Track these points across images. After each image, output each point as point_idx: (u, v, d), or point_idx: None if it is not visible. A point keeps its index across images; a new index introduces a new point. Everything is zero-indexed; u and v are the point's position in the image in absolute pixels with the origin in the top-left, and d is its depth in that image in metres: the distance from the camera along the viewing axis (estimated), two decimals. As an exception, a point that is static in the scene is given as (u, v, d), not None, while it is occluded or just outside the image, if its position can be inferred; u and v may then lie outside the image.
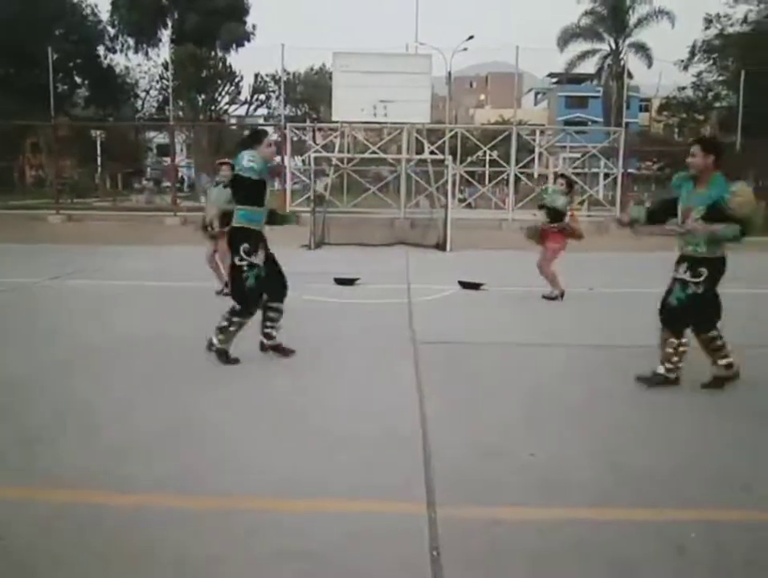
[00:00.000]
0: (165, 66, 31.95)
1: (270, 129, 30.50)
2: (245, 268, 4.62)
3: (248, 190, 4.61)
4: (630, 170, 24.51)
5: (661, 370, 4.49)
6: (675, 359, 4.41)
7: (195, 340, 5.63)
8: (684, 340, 4.40)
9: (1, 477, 3.02)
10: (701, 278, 4.19)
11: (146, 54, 40.10)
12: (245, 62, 50.96)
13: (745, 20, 27.22)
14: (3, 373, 4.58)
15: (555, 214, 7.66)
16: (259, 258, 4.66)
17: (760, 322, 6.69)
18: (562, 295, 7.76)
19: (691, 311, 4.29)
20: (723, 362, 4.39)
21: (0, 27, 27.27)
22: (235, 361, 4.80)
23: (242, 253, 4.61)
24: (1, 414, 3.80)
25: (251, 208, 4.64)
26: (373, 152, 20.95)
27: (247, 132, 4.70)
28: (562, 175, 8.06)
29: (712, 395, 4.34)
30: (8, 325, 6.19)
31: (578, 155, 27.18)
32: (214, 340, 4.84)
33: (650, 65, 34.26)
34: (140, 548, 2.43)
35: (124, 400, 4.05)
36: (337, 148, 18.99)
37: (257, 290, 4.70)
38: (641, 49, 34.30)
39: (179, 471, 3.06)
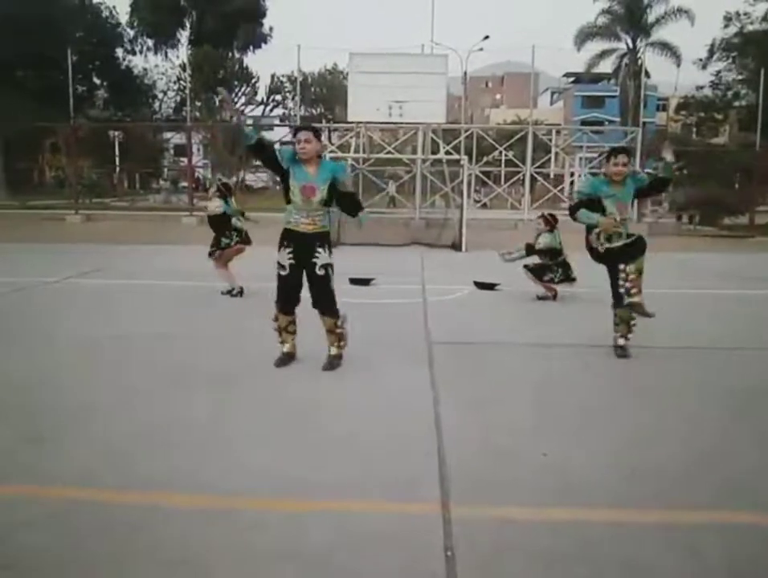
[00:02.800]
0: (183, 67, 32.25)
1: (286, 129, 30.73)
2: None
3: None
4: (647, 170, 24.26)
5: (621, 342, 5.21)
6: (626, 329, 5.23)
7: (201, 340, 5.68)
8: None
9: (3, 476, 3.03)
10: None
11: (165, 55, 40.57)
12: (261, 62, 51.17)
13: (765, 18, 26.95)
14: (10, 372, 4.62)
15: (551, 253, 7.65)
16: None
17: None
18: (555, 296, 7.75)
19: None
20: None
21: (20, 30, 27.64)
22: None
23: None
24: (5, 413, 3.82)
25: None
26: (389, 153, 20.97)
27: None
28: (542, 215, 7.98)
29: (725, 397, 4.30)
30: (16, 325, 6.20)
31: (595, 155, 26.99)
32: (333, 351, 4.87)
33: (679, 64, 33.82)
34: (142, 547, 2.44)
35: (129, 399, 4.07)
36: (352, 149, 19.00)
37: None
38: (666, 48, 33.85)
39: (181, 470, 3.07)
